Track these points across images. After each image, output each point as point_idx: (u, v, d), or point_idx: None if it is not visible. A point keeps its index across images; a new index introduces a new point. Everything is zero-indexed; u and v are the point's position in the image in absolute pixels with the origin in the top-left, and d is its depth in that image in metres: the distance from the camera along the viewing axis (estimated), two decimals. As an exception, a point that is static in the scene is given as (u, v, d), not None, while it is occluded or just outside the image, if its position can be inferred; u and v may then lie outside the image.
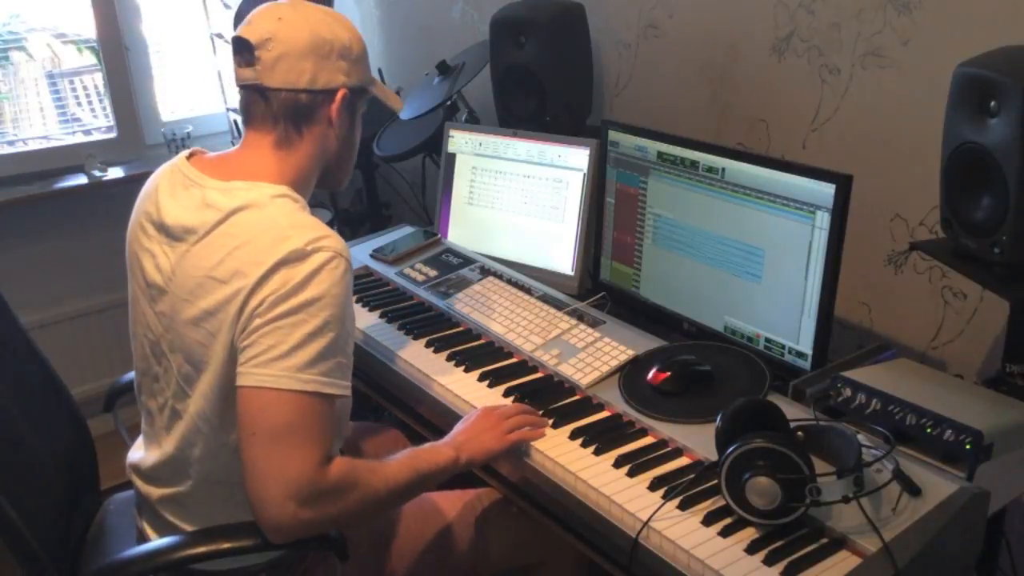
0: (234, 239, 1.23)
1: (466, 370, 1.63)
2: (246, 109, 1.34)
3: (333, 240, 1.23)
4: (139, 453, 1.41)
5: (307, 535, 1.20)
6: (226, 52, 2.75)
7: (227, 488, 1.30)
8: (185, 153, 1.38)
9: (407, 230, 2.25)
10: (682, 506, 1.25)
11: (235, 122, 2.94)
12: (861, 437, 1.29)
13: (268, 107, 1.31)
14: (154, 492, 1.36)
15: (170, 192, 1.32)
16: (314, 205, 2.77)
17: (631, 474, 1.33)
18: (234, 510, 1.29)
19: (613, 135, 1.84)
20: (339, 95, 1.33)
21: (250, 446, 1.15)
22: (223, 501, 1.31)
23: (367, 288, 1.98)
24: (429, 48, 2.82)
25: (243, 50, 1.30)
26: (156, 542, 1.31)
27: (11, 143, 2.79)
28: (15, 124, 2.82)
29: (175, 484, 1.34)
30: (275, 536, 1.18)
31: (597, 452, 1.38)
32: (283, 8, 1.31)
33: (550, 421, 1.46)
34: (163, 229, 1.30)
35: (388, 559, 1.47)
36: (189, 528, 1.33)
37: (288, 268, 1.19)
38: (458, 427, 1.42)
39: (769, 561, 1.14)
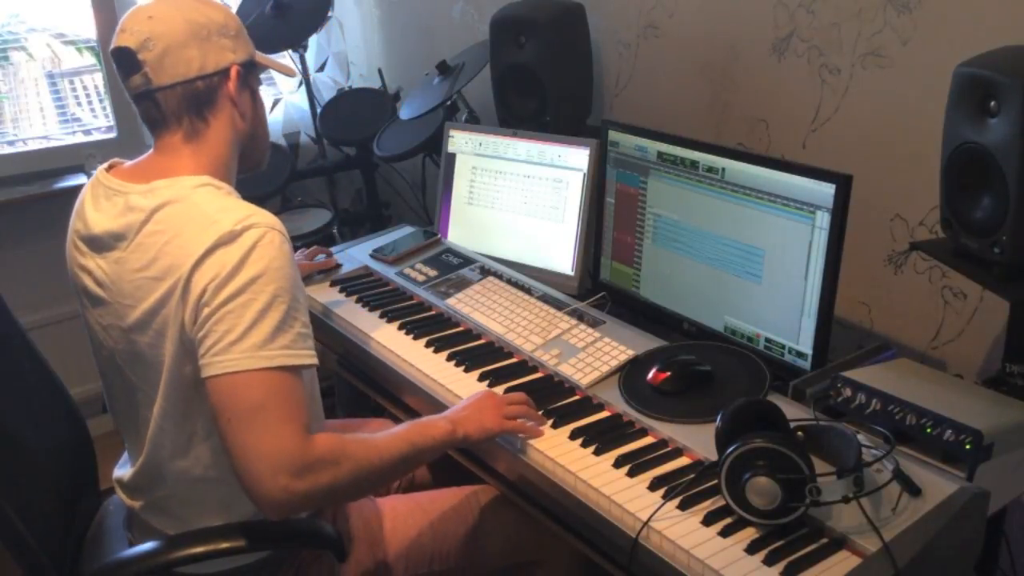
0: (162, 236, 1.23)
1: (466, 370, 1.63)
2: (147, 117, 1.33)
3: (262, 216, 1.23)
4: (120, 468, 1.43)
5: (304, 508, 1.20)
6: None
7: (203, 485, 1.31)
8: (104, 165, 1.38)
9: (407, 230, 2.25)
10: (682, 506, 1.25)
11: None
12: (861, 437, 1.29)
13: (167, 107, 1.30)
14: (136, 503, 1.38)
15: (94, 205, 1.32)
16: (313, 205, 2.80)
17: (631, 474, 1.33)
18: (218, 510, 1.29)
19: (613, 135, 1.84)
20: (232, 72, 1.33)
21: (229, 432, 1.15)
22: (202, 499, 1.32)
23: (367, 288, 1.97)
24: (429, 48, 2.82)
25: (126, 59, 1.29)
26: (156, 542, 1.31)
27: (11, 143, 2.79)
28: (15, 124, 2.82)
29: (154, 491, 1.35)
30: (273, 513, 1.16)
31: (597, 452, 1.38)
32: (150, 7, 1.31)
33: (550, 421, 1.46)
34: (93, 243, 1.30)
35: (385, 557, 1.46)
36: (175, 531, 1.33)
37: (222, 250, 1.18)
38: (459, 404, 1.43)
39: (769, 561, 1.14)
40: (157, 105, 1.31)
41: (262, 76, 1.48)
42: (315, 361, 1.23)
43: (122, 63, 1.29)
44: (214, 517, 1.31)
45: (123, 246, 1.26)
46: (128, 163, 1.38)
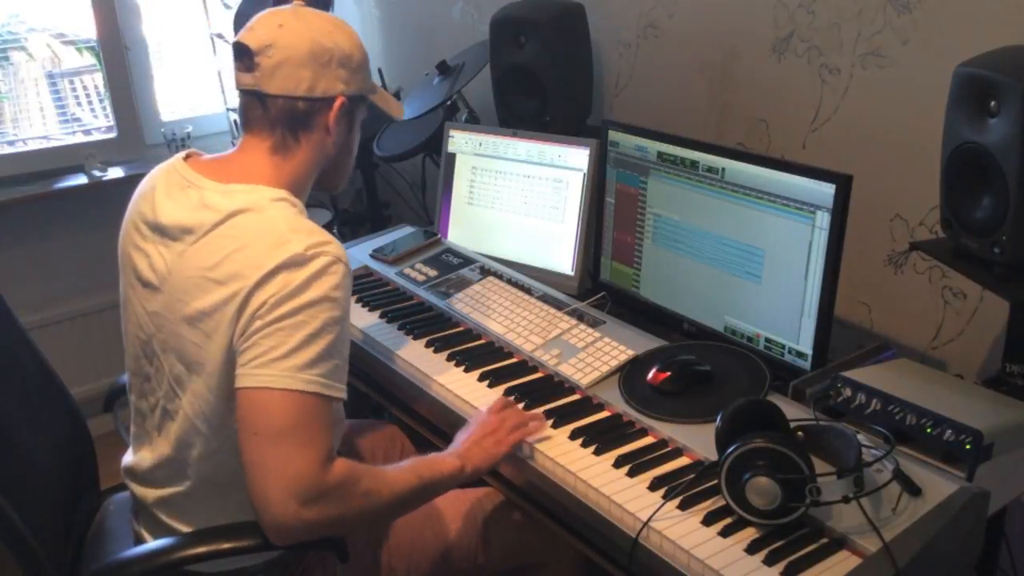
0: (233, 241, 1.23)
1: (466, 370, 1.63)
2: (245, 113, 1.34)
3: (333, 246, 1.24)
4: (132, 456, 1.41)
5: (309, 537, 1.20)
6: (226, 52, 2.75)
7: (224, 489, 1.30)
8: (182, 154, 1.38)
9: (407, 230, 2.25)
10: (682, 506, 1.25)
11: (235, 122, 2.95)
12: (861, 437, 1.29)
13: (266, 113, 1.31)
14: (150, 494, 1.36)
15: (167, 193, 1.32)
16: (313, 205, 2.80)
17: (631, 474, 1.33)
18: (231, 511, 1.29)
19: (613, 135, 1.84)
20: (337, 103, 1.33)
21: (252, 446, 1.15)
22: (219, 502, 1.31)
23: (367, 288, 1.97)
24: (429, 48, 2.82)
25: (243, 56, 1.30)
26: (156, 542, 1.31)
27: (11, 143, 2.79)
28: (15, 124, 2.82)
29: (171, 485, 1.34)
30: (277, 537, 1.17)
31: (597, 452, 1.38)
32: (285, 15, 1.31)
33: (550, 421, 1.46)
34: (159, 229, 1.30)
35: (387, 559, 1.46)
36: (185, 530, 1.33)
37: (288, 272, 1.19)
38: (459, 437, 1.42)
39: (769, 561, 1.14)
40: (256, 106, 1.31)
41: None
42: (345, 397, 1.24)
43: (239, 56, 1.31)
44: (226, 519, 1.30)
45: (190, 240, 1.26)
46: (207, 157, 1.38)
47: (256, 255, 1.21)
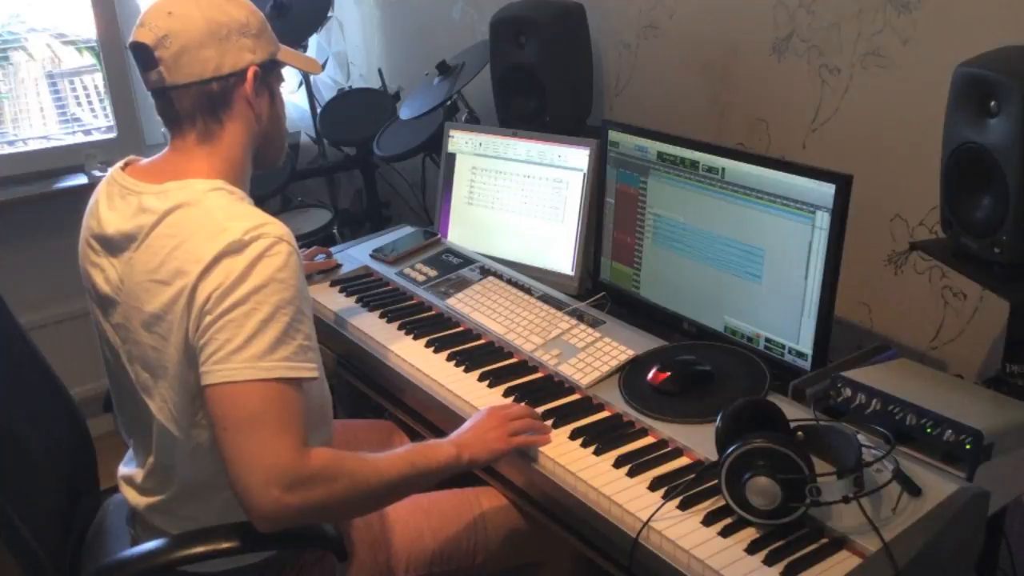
0: (172, 239, 1.23)
1: (466, 370, 1.63)
2: (163, 113, 1.33)
3: (273, 226, 1.22)
4: (128, 466, 1.43)
5: (296, 523, 1.19)
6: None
7: (210, 490, 1.30)
8: (120, 163, 1.37)
9: (407, 230, 2.25)
10: (682, 506, 1.25)
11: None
12: (861, 437, 1.29)
13: (183, 105, 1.29)
14: (142, 502, 1.37)
15: (108, 204, 1.32)
16: (313, 205, 2.80)
17: (631, 474, 1.33)
18: (218, 511, 1.29)
19: (613, 135, 1.84)
20: (249, 74, 1.31)
21: (225, 441, 1.15)
22: (205, 504, 1.32)
23: (367, 288, 1.97)
24: (429, 48, 2.82)
25: (143, 55, 1.28)
26: (156, 542, 1.31)
27: (11, 143, 2.79)
28: (15, 124, 2.82)
29: (161, 492, 1.34)
30: (263, 525, 1.16)
31: (597, 452, 1.38)
32: (171, 2, 1.28)
33: (550, 421, 1.46)
34: (106, 242, 1.30)
35: (386, 558, 1.46)
36: (176, 533, 1.33)
37: (229, 259, 1.18)
38: (462, 427, 1.41)
39: (769, 561, 1.14)
40: (171, 103, 1.30)
41: None
42: (315, 375, 1.22)
43: (139, 58, 1.29)
44: (217, 520, 1.31)
45: (133, 247, 1.26)
46: (144, 161, 1.37)
47: (194, 248, 1.20)
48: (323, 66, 3.14)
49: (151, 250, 1.24)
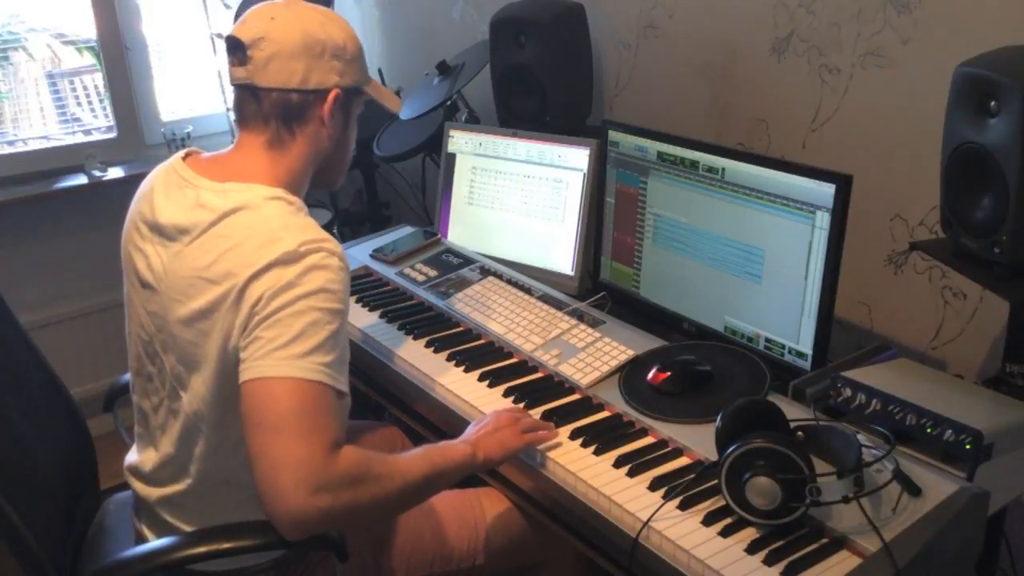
0: (227, 240, 1.23)
1: (466, 370, 1.63)
2: (239, 108, 1.34)
3: (329, 243, 1.23)
4: (136, 455, 1.41)
5: (323, 527, 1.17)
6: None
7: (226, 488, 1.30)
8: (181, 153, 1.38)
9: (407, 230, 2.25)
10: (682, 506, 1.25)
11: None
12: (861, 437, 1.29)
13: (260, 107, 1.31)
14: (153, 493, 1.36)
15: (165, 192, 1.32)
16: (313, 205, 2.80)
17: (631, 474, 1.33)
18: (232, 509, 1.29)
19: (613, 135, 1.84)
20: (331, 95, 1.33)
21: (256, 437, 1.13)
22: (222, 501, 1.31)
23: (367, 288, 1.98)
24: (429, 48, 2.82)
25: (236, 49, 1.30)
26: (157, 542, 1.31)
27: (11, 143, 2.79)
28: (15, 124, 2.82)
29: (174, 484, 1.34)
30: (291, 530, 1.13)
31: (597, 452, 1.38)
32: (277, 7, 1.31)
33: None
34: (157, 229, 1.30)
35: (387, 559, 1.46)
36: (187, 528, 1.33)
37: (281, 268, 1.18)
38: (471, 428, 1.41)
39: (769, 561, 1.14)
40: (250, 101, 1.31)
41: None
42: (347, 392, 1.21)
43: (231, 50, 1.30)
44: (226, 518, 1.30)
45: (186, 240, 1.26)
46: (205, 155, 1.38)
47: (248, 252, 1.20)
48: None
49: (204, 247, 1.24)
